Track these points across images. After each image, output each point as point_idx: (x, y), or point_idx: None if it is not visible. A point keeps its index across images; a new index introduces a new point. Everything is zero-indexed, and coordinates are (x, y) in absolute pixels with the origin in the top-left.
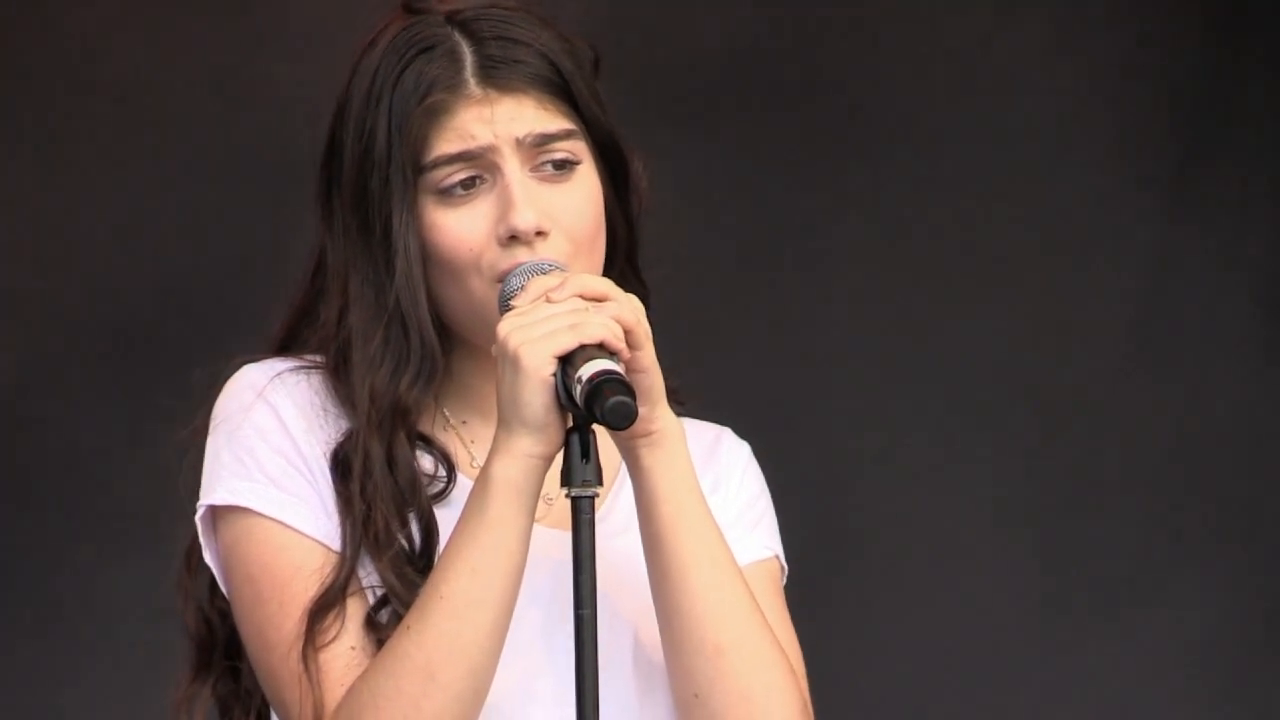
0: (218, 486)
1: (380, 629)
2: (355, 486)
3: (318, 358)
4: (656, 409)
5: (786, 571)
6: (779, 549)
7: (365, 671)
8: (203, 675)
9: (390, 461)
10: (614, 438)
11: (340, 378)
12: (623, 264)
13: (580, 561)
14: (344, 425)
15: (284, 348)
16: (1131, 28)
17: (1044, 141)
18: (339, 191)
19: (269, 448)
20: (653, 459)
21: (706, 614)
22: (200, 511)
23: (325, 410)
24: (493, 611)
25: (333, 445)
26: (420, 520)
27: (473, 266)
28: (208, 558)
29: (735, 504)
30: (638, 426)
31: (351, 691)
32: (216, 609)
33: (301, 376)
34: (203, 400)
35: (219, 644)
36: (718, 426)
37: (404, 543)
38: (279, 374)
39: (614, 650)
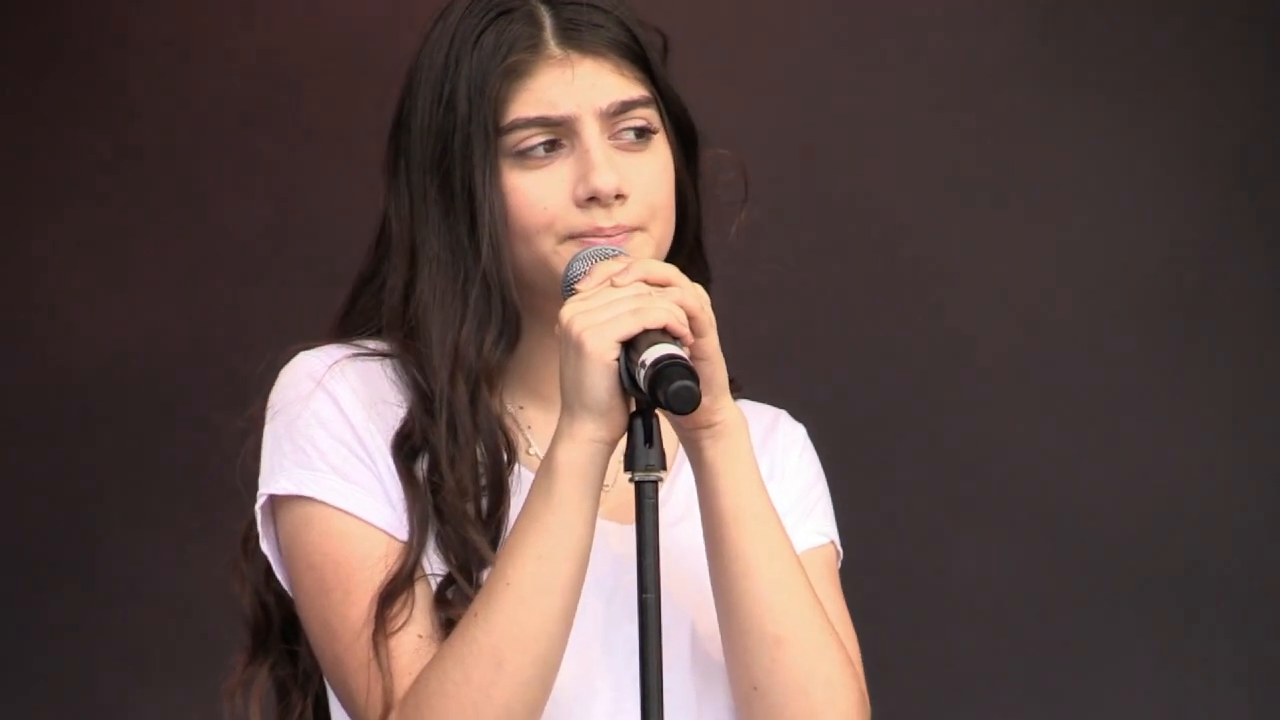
0: (279, 475)
1: (448, 607)
2: (435, 450)
3: (375, 343)
4: (720, 400)
5: (842, 557)
6: (835, 534)
7: (433, 659)
8: (258, 659)
9: (474, 418)
10: (676, 429)
11: (407, 342)
12: (691, 241)
13: (644, 546)
14: (402, 414)
15: (346, 317)
16: None
17: None
18: (411, 156)
19: (330, 436)
20: (715, 451)
21: (767, 607)
22: (260, 500)
23: (384, 400)
24: (560, 597)
25: (392, 433)
26: (492, 485)
27: (546, 227)
28: (264, 546)
29: (792, 490)
30: (700, 417)
31: (420, 679)
32: (273, 592)
33: (360, 364)
34: (258, 388)
35: (275, 628)
36: (774, 409)
37: (473, 512)
38: (337, 362)
39: (672, 642)
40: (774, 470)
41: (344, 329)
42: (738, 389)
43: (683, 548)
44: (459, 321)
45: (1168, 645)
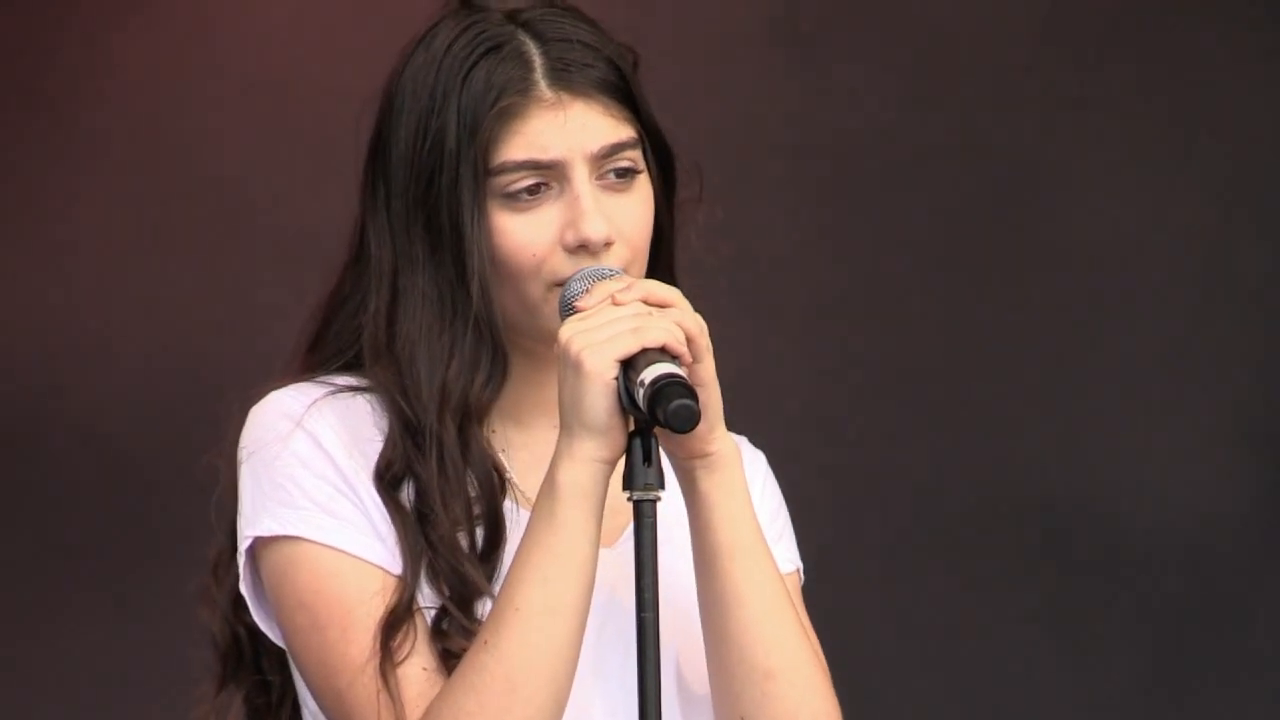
0: (263, 516)
1: (445, 638)
2: (424, 483)
3: (346, 379)
4: (715, 430)
5: (803, 580)
6: (799, 560)
7: (444, 690)
8: (229, 688)
9: (465, 454)
10: (671, 458)
11: (389, 379)
12: (667, 262)
13: (643, 565)
14: (380, 448)
15: (319, 339)
16: None
17: None
18: (393, 184)
19: (313, 475)
20: (710, 483)
21: (757, 639)
22: (245, 544)
23: (363, 437)
24: (568, 618)
25: (375, 466)
26: (488, 518)
27: (533, 271)
28: (243, 589)
29: (759, 517)
30: (695, 446)
31: (432, 710)
32: (242, 621)
33: (336, 402)
34: (228, 426)
35: (246, 655)
36: (733, 435)
37: (467, 545)
38: (315, 401)
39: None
40: None
41: (317, 352)
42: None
43: (668, 570)
44: (446, 360)
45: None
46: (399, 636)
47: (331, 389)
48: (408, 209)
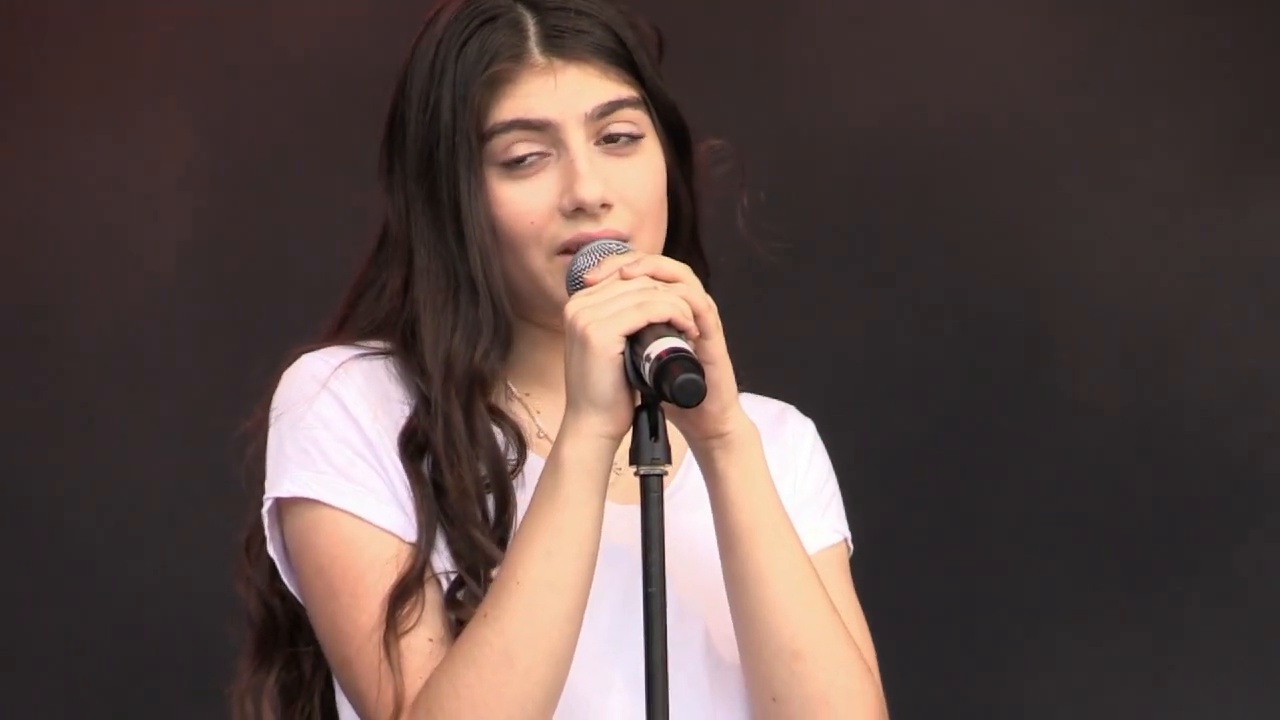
0: (284, 479)
1: (458, 608)
2: (436, 454)
3: (379, 344)
4: (729, 409)
5: (852, 550)
6: (846, 530)
7: (444, 661)
8: (265, 664)
9: (470, 429)
10: (687, 438)
11: (406, 352)
12: (687, 240)
13: (649, 540)
14: (409, 412)
15: (345, 321)
16: None
17: None
18: (403, 164)
19: (334, 438)
20: (727, 463)
21: (784, 620)
22: (267, 504)
23: (391, 398)
24: (569, 594)
25: (400, 431)
26: (497, 490)
27: (534, 239)
28: (271, 550)
29: (804, 488)
30: (709, 426)
31: (430, 682)
32: (278, 595)
33: (365, 364)
34: (261, 391)
35: (281, 631)
36: (780, 402)
37: (479, 513)
38: (342, 363)
39: (685, 634)
40: (785, 467)
41: (342, 332)
42: (739, 381)
43: (694, 533)
44: (450, 331)
45: None
46: (407, 606)
47: (363, 351)
48: (416, 186)
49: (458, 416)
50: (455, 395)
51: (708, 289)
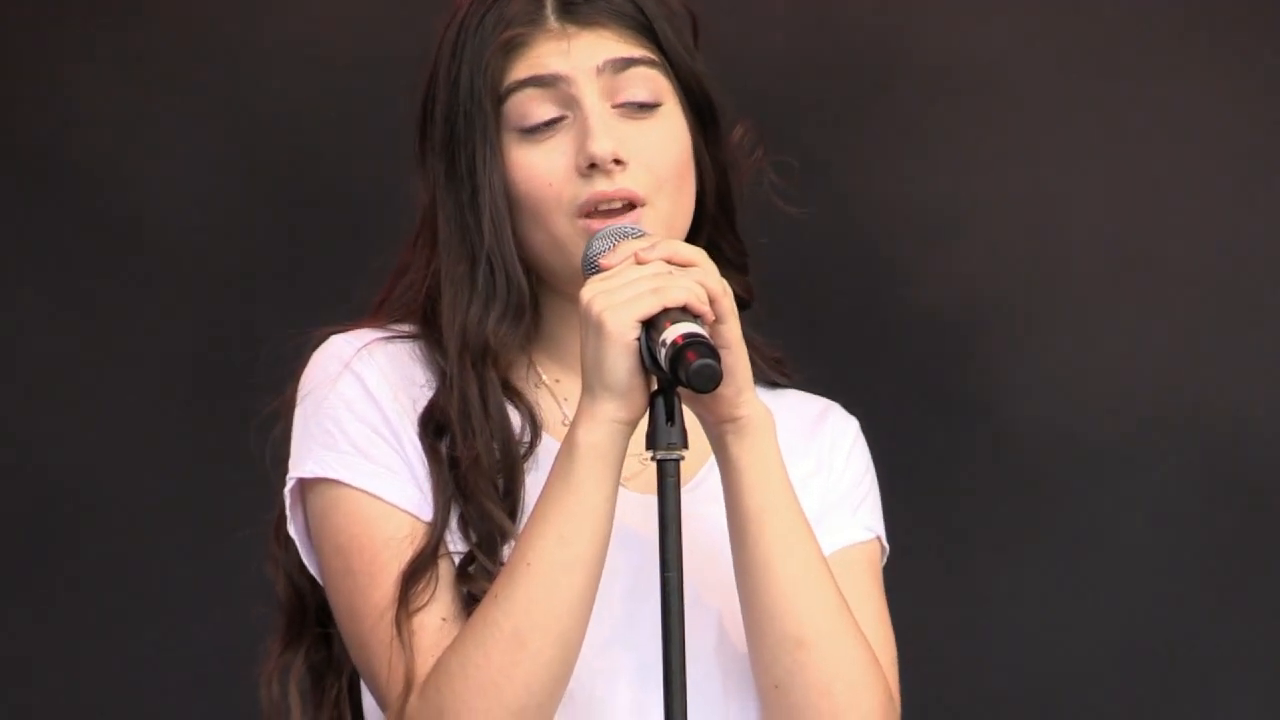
0: (306, 459)
1: (470, 581)
2: (452, 428)
3: (408, 327)
4: (743, 393)
5: (887, 552)
6: (881, 530)
7: (454, 641)
8: (294, 645)
9: (484, 403)
10: (701, 422)
11: (429, 328)
12: (715, 213)
13: (665, 524)
14: (432, 395)
15: (381, 305)
16: None
17: None
18: (432, 143)
19: (355, 418)
20: (739, 448)
21: (789, 607)
22: (289, 485)
23: (413, 381)
24: (580, 578)
25: (421, 411)
26: (505, 468)
27: (554, 201)
28: (292, 530)
29: (841, 484)
30: (723, 410)
31: (440, 661)
32: (307, 577)
33: (390, 346)
34: (290, 372)
35: (310, 612)
36: (825, 400)
37: (493, 486)
38: (367, 345)
39: (700, 625)
40: (821, 464)
41: (377, 316)
42: (785, 374)
43: (717, 528)
44: (467, 304)
45: None
46: (420, 584)
47: (390, 334)
48: (440, 161)
49: (473, 389)
50: (471, 367)
51: (745, 268)
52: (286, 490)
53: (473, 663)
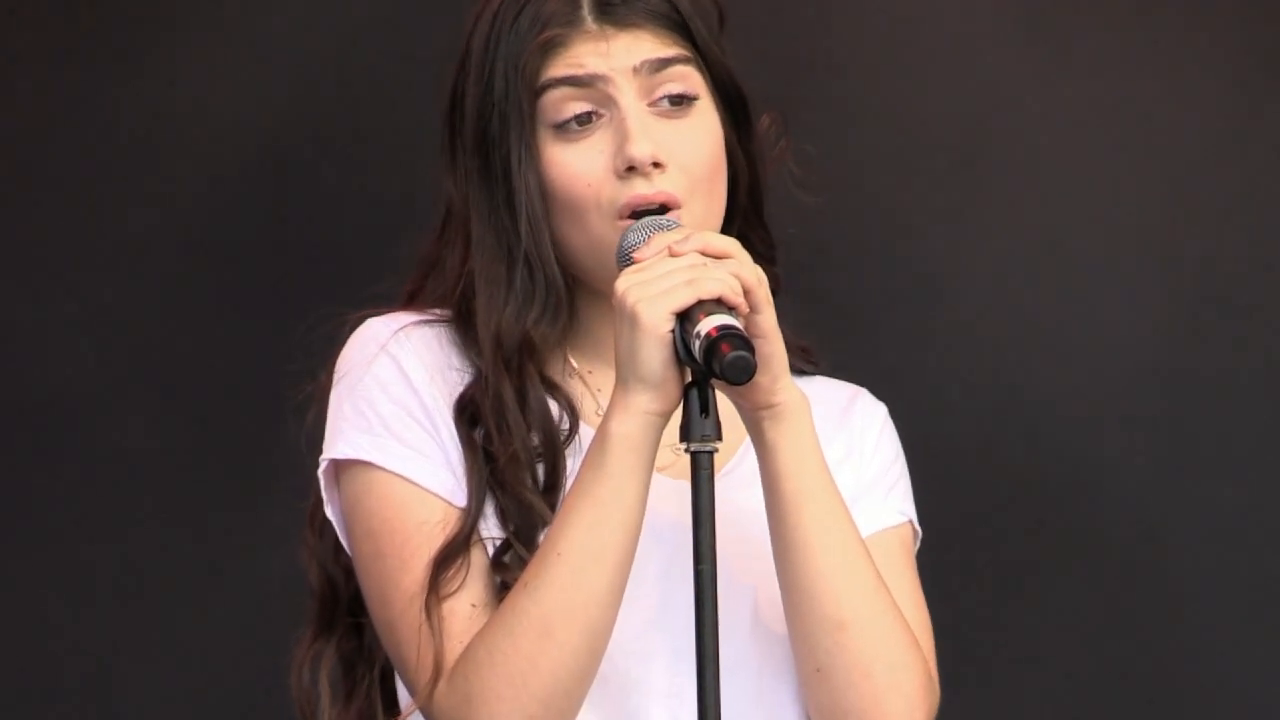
0: (339, 440)
1: (504, 570)
2: (487, 426)
3: (444, 311)
4: (779, 380)
5: (920, 536)
6: (913, 513)
7: (483, 629)
8: (326, 633)
9: (521, 400)
10: (738, 409)
11: (465, 325)
12: (745, 205)
13: (699, 517)
14: (467, 380)
15: (412, 299)
16: None
17: None
18: (462, 139)
19: (390, 400)
20: (776, 433)
21: (829, 591)
22: (323, 466)
23: (450, 365)
24: (611, 568)
25: (456, 397)
26: (548, 462)
27: (592, 202)
28: (329, 512)
29: (870, 469)
30: (759, 397)
31: (469, 648)
32: (341, 566)
33: (427, 330)
34: (326, 355)
35: (342, 601)
36: (853, 386)
37: (530, 479)
38: (404, 327)
39: (734, 607)
40: (851, 449)
41: (410, 308)
42: (813, 362)
43: (751, 513)
44: (503, 304)
45: None
46: (451, 569)
47: (426, 318)
48: (472, 159)
49: (508, 392)
50: (505, 369)
51: (774, 259)
52: (320, 472)
53: (500, 651)
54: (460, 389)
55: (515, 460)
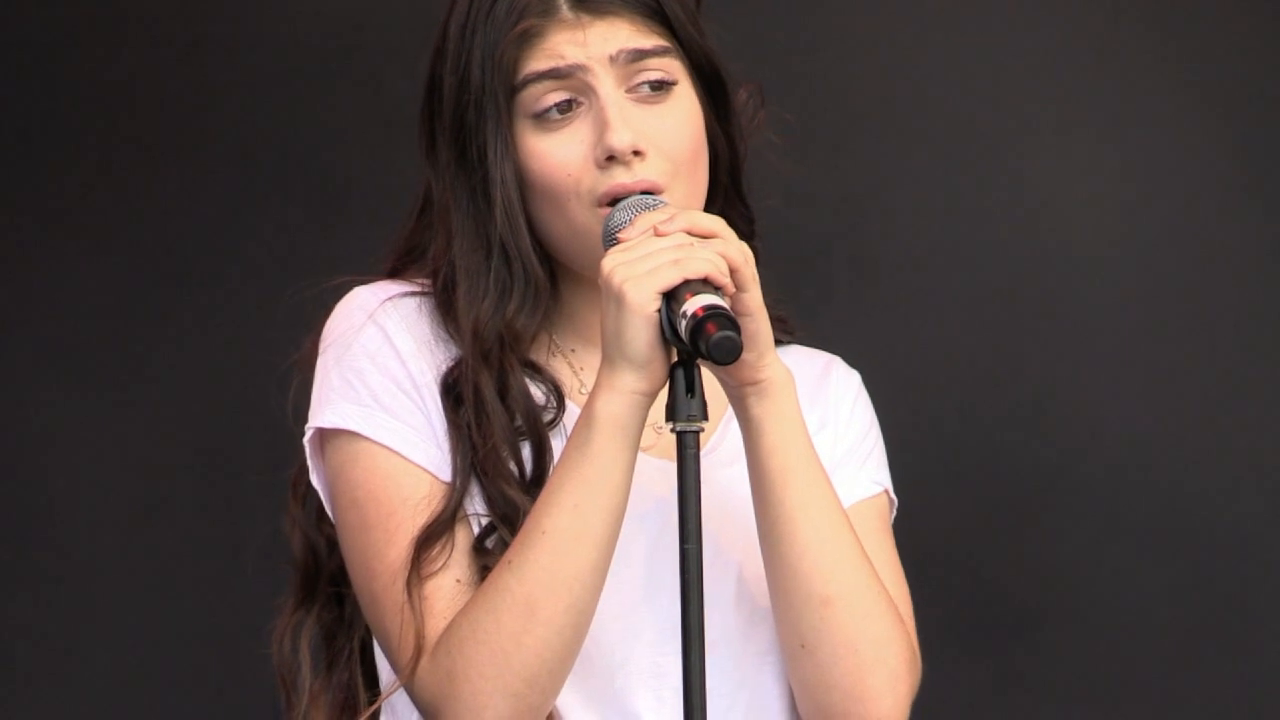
0: (325, 409)
1: (486, 555)
2: (466, 416)
3: (429, 282)
4: (764, 357)
5: (896, 505)
6: (888, 483)
7: (466, 606)
8: (307, 603)
9: (502, 390)
10: (723, 385)
11: (446, 310)
12: (726, 185)
13: (685, 497)
14: (454, 351)
15: (394, 276)
16: None
17: None
18: (440, 129)
19: (379, 371)
20: (761, 409)
21: (814, 566)
22: (308, 434)
23: (437, 337)
24: (594, 547)
25: (443, 371)
26: (533, 444)
27: (572, 192)
28: (314, 480)
29: (846, 439)
30: (745, 374)
31: (452, 625)
32: (324, 536)
33: (413, 301)
34: (312, 323)
35: (324, 571)
36: (827, 355)
37: (514, 468)
38: (391, 297)
39: (718, 585)
40: (826, 420)
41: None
42: (788, 331)
43: (734, 490)
44: (481, 296)
45: None
46: (436, 547)
47: (413, 289)
48: (450, 150)
49: (488, 386)
50: (485, 362)
51: (754, 235)
52: (305, 440)
53: (484, 628)
54: (447, 362)
55: (495, 452)
